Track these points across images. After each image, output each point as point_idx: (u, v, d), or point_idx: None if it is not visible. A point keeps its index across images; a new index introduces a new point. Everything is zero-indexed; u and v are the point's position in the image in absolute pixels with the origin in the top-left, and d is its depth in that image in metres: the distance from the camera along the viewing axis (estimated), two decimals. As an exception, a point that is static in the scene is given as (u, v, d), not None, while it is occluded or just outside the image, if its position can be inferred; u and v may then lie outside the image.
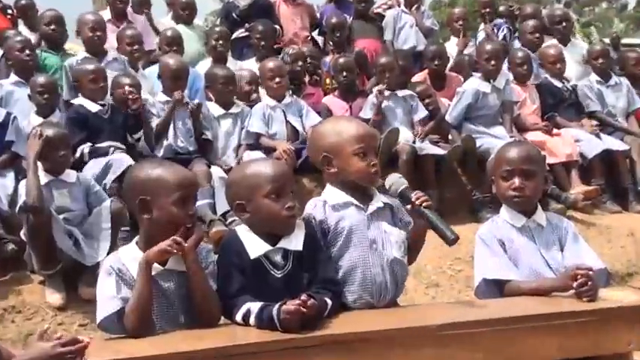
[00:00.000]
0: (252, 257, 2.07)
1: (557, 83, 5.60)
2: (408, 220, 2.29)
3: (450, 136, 5.16)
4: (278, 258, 2.09)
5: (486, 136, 4.95)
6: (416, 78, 5.65)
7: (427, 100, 5.30)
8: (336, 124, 2.28)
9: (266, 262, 2.08)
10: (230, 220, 4.01)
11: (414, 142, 4.84)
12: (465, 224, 4.56)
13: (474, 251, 2.41)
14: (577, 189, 4.85)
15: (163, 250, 1.96)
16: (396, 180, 2.23)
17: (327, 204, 2.22)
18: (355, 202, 2.21)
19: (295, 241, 2.11)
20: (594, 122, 5.42)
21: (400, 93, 5.16)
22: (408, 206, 2.19)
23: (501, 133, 4.96)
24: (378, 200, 2.25)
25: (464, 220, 4.62)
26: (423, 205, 2.16)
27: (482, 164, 4.76)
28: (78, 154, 4.03)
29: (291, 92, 5.03)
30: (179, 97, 4.46)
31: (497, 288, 2.27)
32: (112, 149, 4.09)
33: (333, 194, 2.24)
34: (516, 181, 2.30)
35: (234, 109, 4.79)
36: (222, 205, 4.06)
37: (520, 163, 2.32)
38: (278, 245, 2.10)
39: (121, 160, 3.91)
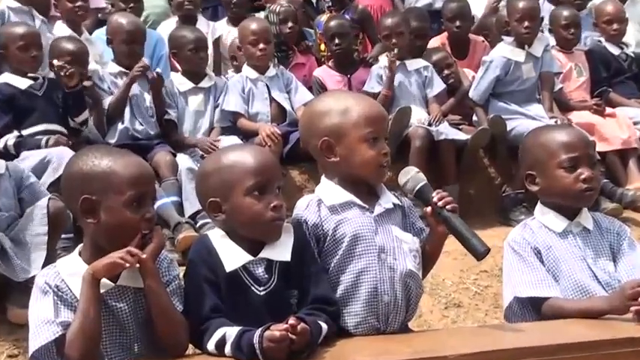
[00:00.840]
0: (228, 270, 2.06)
1: (614, 50, 5.60)
2: (421, 225, 2.29)
3: (474, 117, 5.17)
4: (260, 271, 2.08)
5: (520, 117, 4.96)
6: (432, 43, 5.66)
7: (446, 72, 5.31)
8: (341, 100, 2.26)
9: (246, 275, 2.07)
10: (201, 223, 4.01)
11: (429, 124, 4.85)
12: (493, 228, 4.58)
13: (503, 263, 2.41)
14: (636, 183, 4.87)
15: (113, 263, 1.93)
16: (413, 175, 2.22)
17: (324, 204, 2.21)
18: (359, 201, 2.20)
19: (282, 250, 2.10)
20: None
21: (411, 63, 5.16)
22: (427, 209, 2.19)
23: (539, 112, 4.97)
24: (388, 200, 2.24)
25: (491, 224, 4.63)
26: (447, 208, 2.16)
27: (515, 152, 4.73)
28: (1, 145, 3.99)
29: (276, 62, 5.01)
30: (145, 65, 4.45)
31: (533, 308, 2.28)
32: (44, 139, 3.98)
33: (330, 191, 2.23)
34: (585, 171, 2.31)
35: (205, 83, 4.78)
36: (192, 204, 4.07)
37: (585, 147, 2.35)
38: (261, 255, 2.09)
39: (61, 155, 3.77)
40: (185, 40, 4.75)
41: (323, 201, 2.21)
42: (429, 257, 2.29)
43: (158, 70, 4.70)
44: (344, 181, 2.22)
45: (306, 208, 2.21)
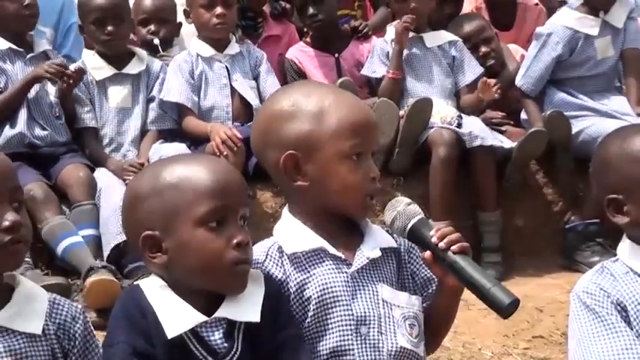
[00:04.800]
0: (170, 336, 2.04)
1: None
2: (427, 274, 2.29)
3: (523, 115, 5.23)
4: (217, 337, 2.08)
5: (591, 115, 5.02)
6: (465, 8, 5.73)
7: (483, 49, 5.37)
8: (314, 98, 2.24)
9: (195, 343, 2.06)
10: (131, 267, 4.03)
11: (458, 124, 4.89)
12: (551, 275, 4.63)
13: (568, 325, 2.38)
14: None
15: None
16: (402, 210, 2.23)
17: (284, 252, 2.22)
18: (332, 249, 2.21)
19: (248, 308, 2.09)
20: None
21: (433, 37, 5.22)
22: (427, 253, 2.20)
23: (620, 107, 5.03)
24: (374, 244, 2.24)
25: (548, 268, 4.68)
26: (453, 249, 2.17)
27: (584, 165, 4.78)
28: None
29: (240, 34, 5.04)
30: (63, 69, 4.47)
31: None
32: None
33: (293, 233, 2.23)
34: None
35: (132, 68, 4.80)
36: (113, 237, 4.08)
37: None
38: (218, 314, 2.08)
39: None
40: (89, 8, 4.75)
41: (283, 248, 2.22)
42: (438, 321, 2.30)
43: (78, 64, 4.72)
44: (314, 217, 2.23)
45: (266, 259, 2.22)
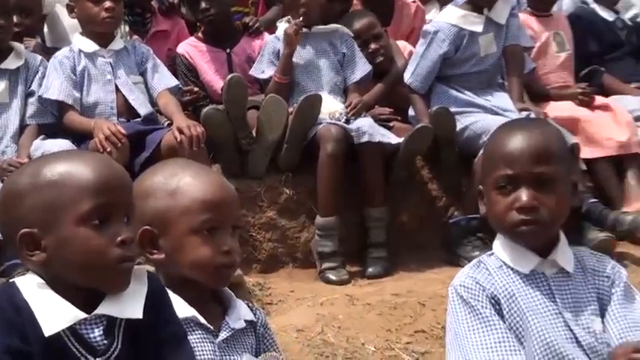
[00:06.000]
0: (47, 334, 2.01)
1: (606, 15, 5.86)
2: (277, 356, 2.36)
3: (411, 111, 5.29)
4: (97, 334, 2.06)
5: (475, 111, 5.10)
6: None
7: (373, 46, 5.42)
8: (174, 177, 2.31)
9: (74, 341, 2.04)
10: (7, 265, 3.98)
11: (347, 120, 4.94)
12: (435, 269, 4.72)
13: (446, 318, 2.45)
14: (637, 204, 5.05)
15: None
16: None
17: None
18: (202, 319, 2.27)
19: (130, 304, 2.09)
20: None
21: (324, 32, 5.26)
22: None
23: (503, 103, 5.11)
24: (238, 315, 2.32)
25: (433, 262, 4.77)
26: None
27: (468, 161, 4.92)
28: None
29: (127, 30, 4.99)
30: None
31: (490, 381, 2.34)
32: None
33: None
34: (523, 195, 2.36)
35: (10, 63, 4.73)
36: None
37: (530, 162, 2.37)
38: (98, 311, 2.06)
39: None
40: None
41: None
42: None
43: None
44: (183, 287, 2.28)
45: None
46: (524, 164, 2.36)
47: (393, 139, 4.89)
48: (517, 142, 2.40)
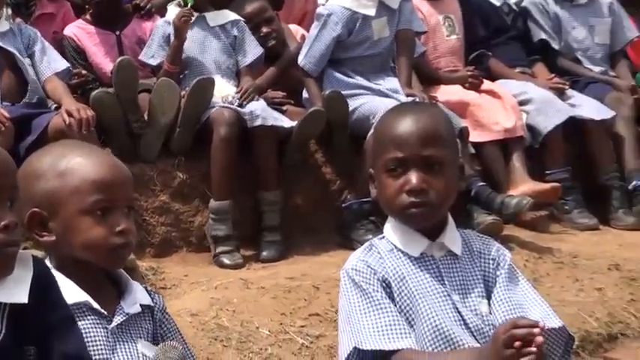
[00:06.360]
0: None
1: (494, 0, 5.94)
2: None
3: (304, 94, 5.31)
4: (-21, 319, 2.04)
5: (364, 93, 5.12)
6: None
7: (265, 30, 5.42)
8: (64, 158, 2.28)
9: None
10: None
11: (240, 104, 4.93)
12: (329, 253, 4.74)
13: (339, 301, 2.47)
14: (522, 188, 5.16)
15: None
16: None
17: None
18: (95, 304, 2.24)
19: (14, 289, 2.05)
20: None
21: (215, 16, 5.25)
22: None
23: (392, 86, 5.14)
24: (134, 299, 2.30)
25: (327, 246, 4.79)
26: None
27: (359, 144, 4.95)
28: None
29: (9, 13, 4.89)
30: None
31: (380, 363, 2.37)
32: None
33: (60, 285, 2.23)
34: (413, 178, 2.38)
35: None
36: None
37: (419, 145, 2.39)
38: (-21, 296, 2.04)
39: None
40: None
41: None
42: None
43: None
44: (75, 270, 2.26)
45: None
46: (413, 147, 2.38)
47: (287, 122, 4.90)
48: (406, 125, 2.42)
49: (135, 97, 4.80)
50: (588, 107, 5.57)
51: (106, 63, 5.28)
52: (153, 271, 4.38)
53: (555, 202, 5.32)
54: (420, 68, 5.53)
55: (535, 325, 2.13)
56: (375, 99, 5.01)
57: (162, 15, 5.41)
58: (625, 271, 4.64)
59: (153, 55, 5.16)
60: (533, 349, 2.10)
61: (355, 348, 2.35)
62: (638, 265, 4.71)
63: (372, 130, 4.68)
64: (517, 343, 2.10)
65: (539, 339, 2.10)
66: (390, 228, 2.48)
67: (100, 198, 2.23)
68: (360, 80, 5.18)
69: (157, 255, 4.76)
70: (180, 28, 5.00)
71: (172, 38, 5.08)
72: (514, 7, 6.10)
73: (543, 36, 6.04)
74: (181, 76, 5.12)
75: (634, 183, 5.50)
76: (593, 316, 4.23)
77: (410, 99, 4.87)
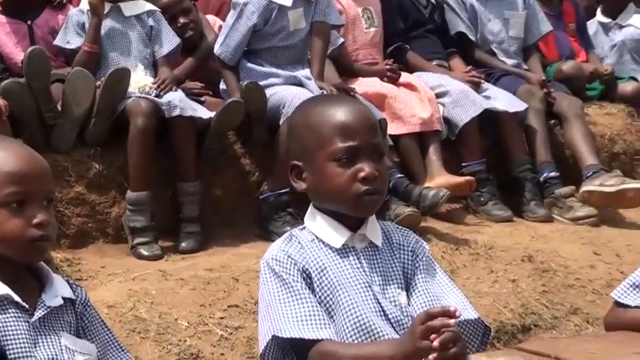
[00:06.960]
0: None
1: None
2: (105, 337, 2.38)
3: (222, 85, 5.29)
4: None
5: (277, 82, 5.12)
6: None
7: (182, 20, 5.40)
8: None
9: None
10: None
11: (157, 95, 4.90)
12: (248, 244, 4.74)
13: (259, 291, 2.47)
14: (438, 180, 5.22)
15: None
16: None
17: None
18: (16, 297, 2.23)
19: None
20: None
21: (130, 6, 5.22)
22: None
23: (305, 75, 5.14)
24: (55, 292, 2.29)
25: (245, 237, 4.79)
26: None
27: (275, 134, 4.96)
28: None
29: None
30: None
31: (297, 355, 2.35)
32: None
33: None
34: (366, 166, 2.38)
35: None
36: None
37: (368, 133, 2.41)
38: None
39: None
40: None
41: None
42: None
43: None
44: None
45: None
46: (363, 135, 2.40)
47: (205, 113, 4.89)
48: (349, 114, 2.42)
49: (47, 87, 4.73)
50: (502, 100, 5.65)
51: (16, 53, 5.18)
52: (68, 262, 4.35)
53: (470, 194, 5.39)
54: (338, 60, 5.55)
55: (447, 313, 2.16)
56: (289, 88, 5.01)
57: (76, 5, 5.33)
58: (537, 263, 4.75)
59: (69, 40, 5.09)
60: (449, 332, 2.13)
61: (274, 337, 2.35)
62: (550, 256, 4.83)
63: (283, 120, 4.72)
64: (433, 336, 2.13)
65: (452, 321, 2.13)
66: (310, 218, 2.48)
67: (15, 190, 2.21)
68: (275, 71, 5.17)
69: (73, 246, 4.70)
70: (97, 5, 4.94)
71: (87, 25, 5.01)
72: (432, 0, 6.14)
73: (461, 28, 6.10)
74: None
75: (545, 175, 5.61)
76: (508, 307, 4.32)
77: (320, 92, 4.85)
